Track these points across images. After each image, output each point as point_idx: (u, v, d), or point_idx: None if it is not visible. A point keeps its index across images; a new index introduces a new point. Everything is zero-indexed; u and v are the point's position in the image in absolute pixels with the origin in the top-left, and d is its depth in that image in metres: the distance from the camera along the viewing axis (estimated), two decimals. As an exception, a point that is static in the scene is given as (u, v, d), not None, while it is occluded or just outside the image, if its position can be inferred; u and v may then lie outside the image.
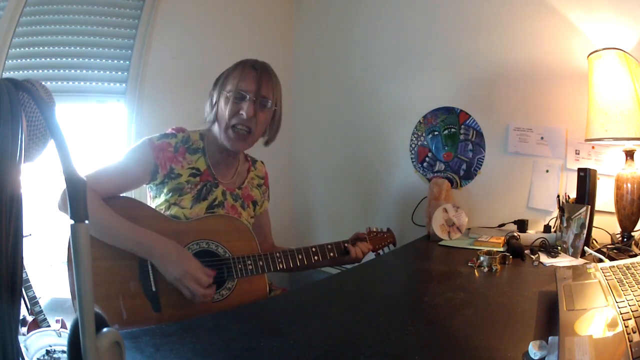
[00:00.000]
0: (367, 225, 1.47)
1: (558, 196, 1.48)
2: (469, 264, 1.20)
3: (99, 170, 1.09)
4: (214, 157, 1.22)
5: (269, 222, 1.43)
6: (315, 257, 1.24)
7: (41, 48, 1.62)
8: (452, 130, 1.86)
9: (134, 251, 1.00)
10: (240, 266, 1.10)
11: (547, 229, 1.54)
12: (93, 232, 1.00)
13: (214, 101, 1.18)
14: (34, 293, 1.41)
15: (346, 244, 1.32)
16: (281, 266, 1.17)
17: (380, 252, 1.45)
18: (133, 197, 1.74)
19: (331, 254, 1.27)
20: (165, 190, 1.15)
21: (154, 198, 1.19)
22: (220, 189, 1.21)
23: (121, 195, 1.12)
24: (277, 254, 1.17)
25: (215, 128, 1.19)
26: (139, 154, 1.13)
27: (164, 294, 1.03)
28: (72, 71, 1.69)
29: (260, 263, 1.13)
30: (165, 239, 1.02)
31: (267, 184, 1.40)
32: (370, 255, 1.43)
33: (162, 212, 1.14)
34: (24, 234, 0.42)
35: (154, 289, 1.02)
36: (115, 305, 0.99)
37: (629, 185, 1.29)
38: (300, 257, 1.21)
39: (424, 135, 1.95)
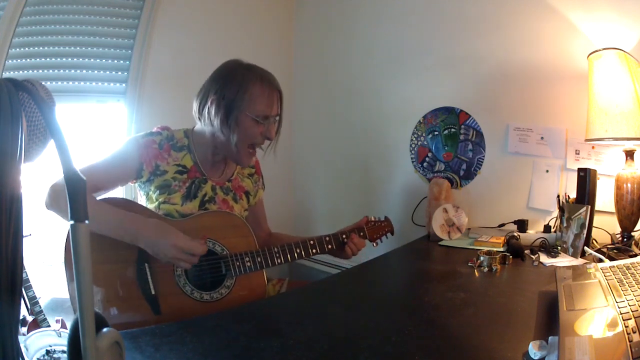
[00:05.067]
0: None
1: (558, 196, 1.48)
2: (469, 264, 1.20)
3: (85, 167, 1.09)
4: (201, 154, 1.20)
5: (263, 211, 1.42)
6: (314, 250, 1.22)
7: (41, 48, 1.62)
8: (452, 130, 1.86)
9: (123, 239, 1.00)
10: (238, 264, 1.10)
11: (547, 229, 1.54)
12: None
13: (228, 116, 1.11)
14: (34, 293, 1.41)
15: (344, 237, 1.29)
16: (279, 261, 1.16)
17: (379, 241, 1.41)
18: (133, 196, 1.75)
19: (329, 246, 1.25)
20: (152, 188, 1.14)
21: (143, 196, 1.19)
22: (210, 184, 1.20)
23: (118, 197, 1.13)
24: (275, 249, 1.16)
25: (213, 133, 1.15)
26: (123, 152, 1.14)
27: (164, 296, 1.03)
28: (72, 71, 1.69)
29: (259, 259, 1.12)
30: (148, 220, 1.02)
31: (259, 172, 1.38)
32: (375, 250, 1.40)
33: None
34: (24, 234, 0.42)
35: (153, 292, 1.02)
36: (115, 310, 0.99)
37: (629, 185, 1.29)
38: (298, 250, 1.19)
39: (424, 135, 1.95)
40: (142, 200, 1.21)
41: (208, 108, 1.13)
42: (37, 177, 1.45)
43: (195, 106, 1.17)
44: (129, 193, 1.76)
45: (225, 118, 1.11)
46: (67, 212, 0.41)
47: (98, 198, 1.07)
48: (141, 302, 1.01)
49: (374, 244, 1.39)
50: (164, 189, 1.14)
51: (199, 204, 1.16)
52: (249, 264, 1.11)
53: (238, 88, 1.11)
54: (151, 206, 1.15)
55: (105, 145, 1.82)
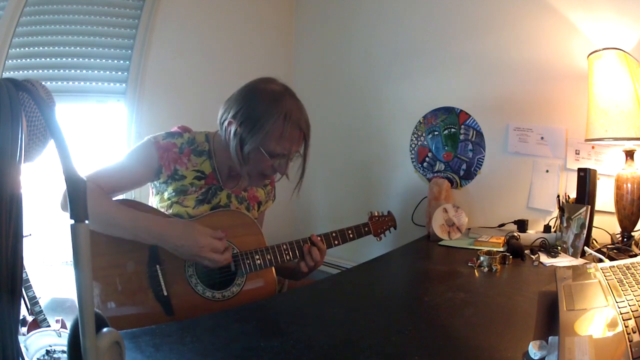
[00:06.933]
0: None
1: (558, 196, 1.48)
2: (469, 264, 1.20)
3: (101, 168, 1.08)
4: (220, 162, 1.19)
5: (262, 221, 1.42)
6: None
7: (41, 48, 1.62)
8: (452, 130, 1.86)
9: (145, 240, 1.00)
10: (248, 261, 1.11)
11: (547, 229, 1.54)
12: (97, 226, 0.99)
13: (242, 146, 1.08)
14: (34, 293, 1.41)
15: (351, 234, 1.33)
16: (288, 257, 1.17)
17: (382, 236, 1.45)
18: (133, 196, 1.75)
19: (336, 242, 1.28)
20: (169, 190, 1.14)
21: (155, 194, 1.18)
22: (225, 192, 1.20)
23: (122, 197, 1.12)
24: (284, 246, 1.17)
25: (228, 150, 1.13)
26: (143, 154, 1.12)
27: (176, 297, 1.03)
28: (72, 71, 1.69)
29: (268, 257, 1.13)
30: (171, 221, 1.03)
31: (272, 184, 1.39)
32: (375, 250, 1.43)
33: (163, 209, 1.14)
34: (24, 234, 0.42)
35: (165, 293, 1.02)
36: (128, 313, 0.99)
37: (629, 185, 1.29)
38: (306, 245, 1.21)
39: (424, 135, 1.95)
40: (152, 195, 1.21)
41: (226, 127, 1.11)
42: (37, 177, 1.46)
43: (219, 114, 1.14)
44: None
45: (239, 147, 1.09)
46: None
47: None
48: (154, 304, 1.01)
49: (378, 238, 1.43)
50: (180, 193, 1.13)
51: (211, 210, 1.16)
52: (259, 261, 1.12)
53: (256, 121, 1.06)
54: (162, 204, 1.14)
55: (107, 145, 1.82)
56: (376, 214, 1.45)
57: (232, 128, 1.09)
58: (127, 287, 1.00)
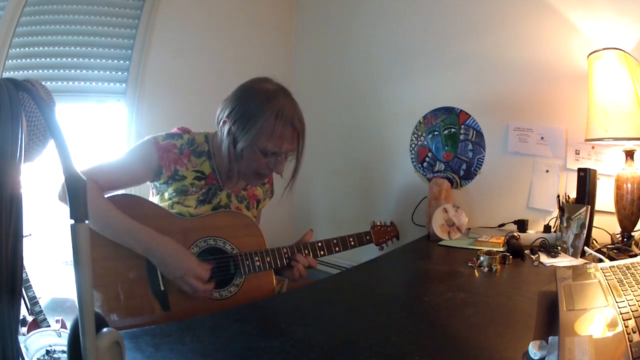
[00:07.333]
0: (367, 223, 1.47)
1: (558, 196, 1.48)
2: (469, 264, 1.20)
3: (99, 165, 1.08)
4: (220, 162, 1.19)
5: (259, 220, 1.42)
6: (321, 252, 1.25)
7: (41, 48, 1.62)
8: (452, 130, 1.86)
9: (133, 248, 1.00)
10: (247, 262, 1.11)
11: (547, 229, 1.54)
12: (94, 226, 0.99)
13: (235, 145, 1.10)
14: (34, 293, 1.41)
15: (352, 240, 1.33)
16: (288, 261, 1.18)
17: (384, 245, 1.46)
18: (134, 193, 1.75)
19: (336, 249, 1.29)
20: (169, 190, 1.14)
21: (156, 194, 1.18)
22: (225, 192, 1.21)
23: (125, 192, 1.13)
24: (284, 250, 1.18)
25: (224, 150, 1.13)
26: (143, 153, 1.12)
27: (173, 292, 1.03)
28: (72, 71, 1.69)
29: (268, 259, 1.14)
30: (163, 237, 1.02)
31: (270, 182, 1.39)
32: (375, 250, 1.44)
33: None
34: (24, 234, 0.42)
35: (162, 288, 1.02)
36: (125, 306, 0.99)
37: (629, 185, 1.29)
38: (307, 252, 1.22)
39: (424, 135, 1.95)
40: (151, 195, 1.21)
41: (221, 127, 1.12)
42: (37, 177, 1.46)
43: (216, 114, 1.15)
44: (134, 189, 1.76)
45: (232, 146, 1.10)
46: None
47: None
48: (150, 298, 1.01)
49: (380, 248, 1.46)
50: (181, 193, 1.14)
51: (212, 209, 1.17)
52: (258, 263, 1.12)
53: (249, 119, 1.07)
54: (163, 204, 1.14)
55: (107, 145, 1.82)
56: (378, 224, 1.47)
57: (226, 127, 1.10)
58: (124, 280, 1.00)
